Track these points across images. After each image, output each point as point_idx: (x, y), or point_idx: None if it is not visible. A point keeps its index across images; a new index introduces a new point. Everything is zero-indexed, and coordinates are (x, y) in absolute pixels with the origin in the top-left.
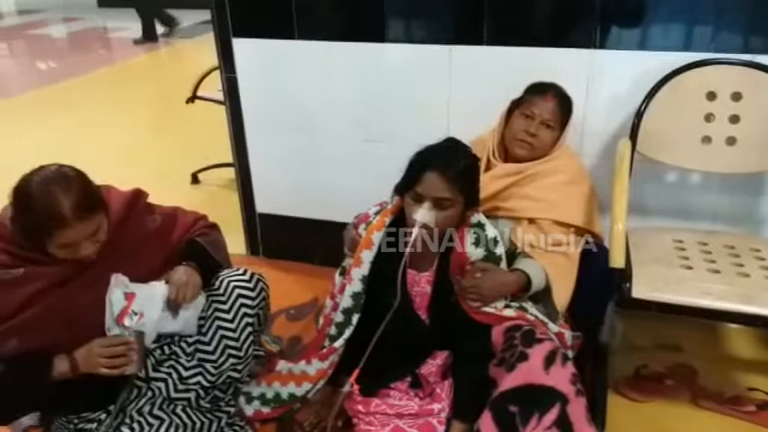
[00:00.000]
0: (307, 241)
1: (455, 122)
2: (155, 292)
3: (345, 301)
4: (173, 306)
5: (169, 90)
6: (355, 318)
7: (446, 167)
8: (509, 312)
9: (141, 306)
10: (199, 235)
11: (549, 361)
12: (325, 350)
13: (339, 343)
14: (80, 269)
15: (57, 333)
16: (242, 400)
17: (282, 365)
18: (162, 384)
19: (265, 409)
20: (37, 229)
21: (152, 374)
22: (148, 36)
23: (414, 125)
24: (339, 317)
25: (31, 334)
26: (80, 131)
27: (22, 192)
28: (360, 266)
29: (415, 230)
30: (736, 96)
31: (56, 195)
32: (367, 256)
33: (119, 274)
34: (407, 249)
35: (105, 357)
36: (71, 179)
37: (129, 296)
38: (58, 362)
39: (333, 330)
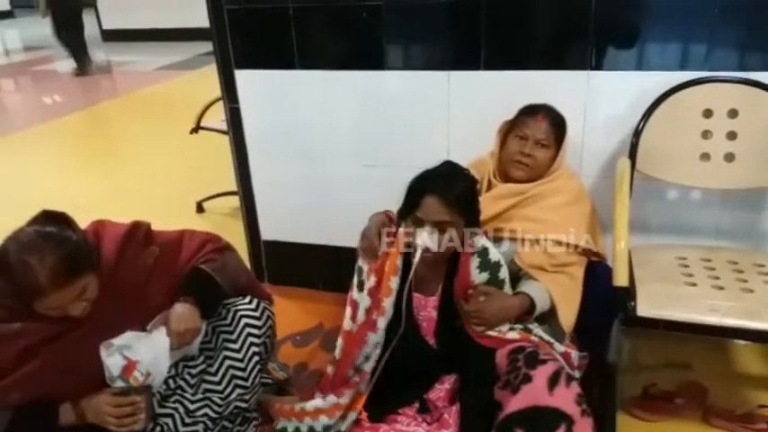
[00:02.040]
0: (310, 267)
1: (455, 146)
2: (157, 351)
3: (368, 348)
4: (176, 350)
5: (173, 121)
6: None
7: (444, 191)
8: (513, 335)
9: (147, 366)
10: (204, 261)
11: (553, 382)
12: (354, 380)
13: (369, 366)
14: (76, 323)
15: (56, 383)
16: None
17: (309, 404)
18: (169, 420)
19: None
20: (19, 295)
21: (158, 410)
22: (82, 70)
23: (414, 149)
24: (360, 359)
25: (32, 386)
26: (86, 163)
27: (1, 258)
28: (384, 315)
29: (417, 254)
30: (733, 113)
31: (31, 266)
32: (389, 303)
33: (106, 342)
34: (410, 274)
35: (113, 416)
36: (49, 245)
37: (129, 368)
38: (64, 411)
39: (359, 362)
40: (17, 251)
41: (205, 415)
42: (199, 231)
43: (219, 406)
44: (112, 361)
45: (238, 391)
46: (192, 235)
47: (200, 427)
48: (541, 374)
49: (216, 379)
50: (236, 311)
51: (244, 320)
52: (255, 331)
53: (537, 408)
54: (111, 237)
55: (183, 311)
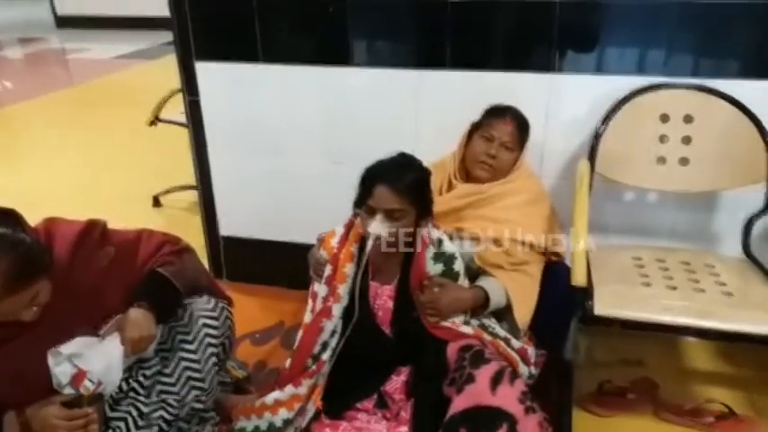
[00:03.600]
0: (272, 264)
1: (422, 144)
2: (110, 360)
3: (325, 335)
4: (129, 358)
5: (131, 112)
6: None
7: (395, 180)
8: (466, 329)
9: (98, 376)
10: (162, 264)
11: (496, 381)
12: (312, 369)
13: (327, 355)
14: (25, 328)
15: (3, 391)
16: None
17: (268, 397)
18: (122, 423)
19: None
20: None
21: (110, 414)
22: None
23: (381, 147)
24: (317, 348)
25: None
26: (38, 154)
27: None
28: (339, 301)
29: (369, 242)
30: (688, 119)
31: None
32: (344, 289)
33: (54, 350)
34: (362, 262)
35: (64, 429)
36: (1, 247)
37: (78, 377)
38: (8, 421)
39: (316, 350)
40: None
41: (160, 417)
42: (157, 232)
43: (175, 408)
44: (61, 369)
45: (195, 392)
46: (149, 235)
47: (155, 429)
48: (484, 374)
49: (171, 380)
50: (194, 311)
51: (201, 321)
52: (213, 332)
53: (479, 407)
54: (65, 236)
55: (137, 317)
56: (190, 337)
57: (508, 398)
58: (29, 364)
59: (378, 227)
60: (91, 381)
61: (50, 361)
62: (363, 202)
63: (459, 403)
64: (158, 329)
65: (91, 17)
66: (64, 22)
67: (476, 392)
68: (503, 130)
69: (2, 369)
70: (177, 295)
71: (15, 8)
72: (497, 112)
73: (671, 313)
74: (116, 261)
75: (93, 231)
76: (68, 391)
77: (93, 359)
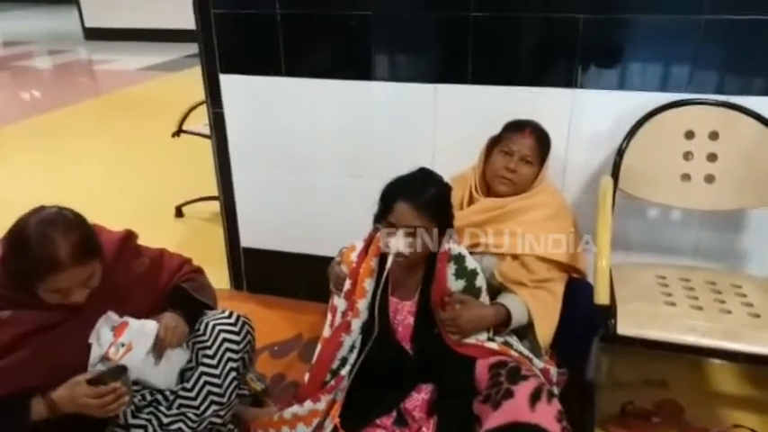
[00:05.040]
0: (291, 276)
1: (440, 159)
2: (146, 328)
3: (344, 350)
4: (159, 349)
5: (155, 123)
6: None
7: (416, 197)
8: (492, 345)
9: (131, 338)
10: (185, 280)
11: (535, 398)
12: (331, 384)
13: (345, 370)
14: (68, 314)
15: (39, 378)
16: None
17: (287, 411)
18: (141, 431)
19: None
20: (30, 271)
21: (131, 421)
22: None
23: (399, 161)
24: (336, 363)
25: (13, 379)
26: (64, 163)
27: (19, 232)
28: (359, 316)
29: (390, 259)
30: (714, 135)
31: (54, 238)
32: (363, 305)
33: (110, 312)
34: (383, 278)
35: (96, 405)
36: (71, 223)
37: (119, 330)
38: (36, 405)
39: (335, 365)
40: (39, 224)
41: (179, 429)
42: (175, 253)
43: (194, 422)
44: (104, 333)
45: (214, 407)
46: (170, 255)
47: None
48: (523, 390)
49: (192, 395)
50: (215, 326)
51: (222, 335)
52: (234, 346)
53: (518, 424)
54: (109, 239)
55: (174, 316)
56: (211, 352)
57: (547, 416)
58: (67, 354)
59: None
60: (122, 343)
61: (100, 320)
62: (384, 218)
63: (495, 419)
64: (185, 350)
65: (118, 29)
66: (92, 34)
67: (514, 409)
68: (522, 144)
69: (42, 356)
70: (201, 308)
71: (46, 20)
72: (517, 126)
73: (696, 334)
74: (148, 272)
75: (132, 240)
76: (98, 367)
77: (130, 324)
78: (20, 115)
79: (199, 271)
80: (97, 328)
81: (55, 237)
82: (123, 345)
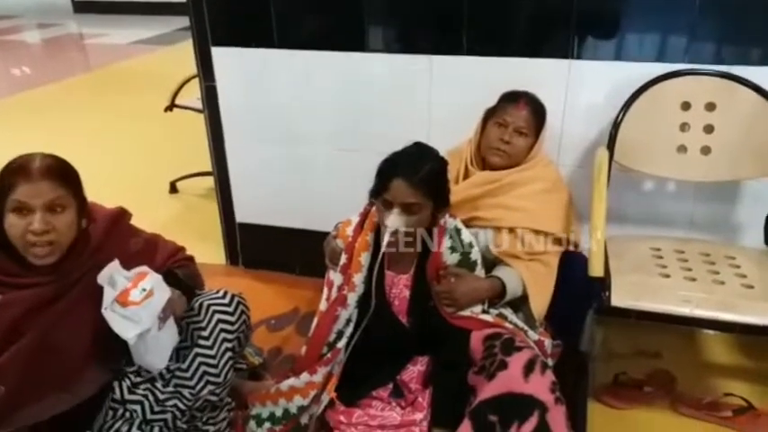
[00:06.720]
0: (287, 251)
1: (435, 131)
2: (163, 284)
3: (340, 324)
4: (167, 311)
5: (147, 98)
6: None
7: (411, 173)
8: (486, 317)
9: (152, 285)
10: (178, 267)
11: (529, 369)
12: (327, 357)
13: (342, 343)
14: (60, 290)
15: (40, 366)
16: (252, 424)
17: (284, 383)
18: (138, 407)
19: (277, 427)
20: (3, 181)
21: (127, 397)
22: None
23: (394, 134)
24: (332, 336)
25: (16, 371)
26: (56, 139)
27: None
28: (354, 290)
29: (386, 236)
30: (710, 106)
31: (30, 156)
32: (359, 278)
33: (116, 261)
34: (380, 254)
35: None
36: (59, 158)
37: (138, 277)
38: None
39: (331, 339)
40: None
41: (174, 405)
42: (170, 240)
43: (189, 400)
44: (118, 277)
45: (210, 387)
46: (164, 240)
47: (169, 416)
48: (517, 361)
49: (187, 375)
50: (209, 306)
51: (217, 316)
52: (228, 327)
53: (512, 394)
54: (101, 215)
55: (173, 290)
56: (206, 333)
57: (540, 386)
58: (65, 335)
59: (395, 220)
60: (144, 288)
61: (108, 267)
62: (379, 194)
63: (489, 389)
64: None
65: (108, 2)
66: (81, 7)
67: (508, 379)
68: (516, 115)
69: (40, 339)
70: (191, 294)
71: None
72: (511, 98)
73: (689, 305)
74: (142, 252)
75: (125, 218)
76: (109, 309)
77: (152, 272)
78: (10, 90)
79: (191, 259)
80: (108, 273)
81: (34, 154)
82: (145, 290)
